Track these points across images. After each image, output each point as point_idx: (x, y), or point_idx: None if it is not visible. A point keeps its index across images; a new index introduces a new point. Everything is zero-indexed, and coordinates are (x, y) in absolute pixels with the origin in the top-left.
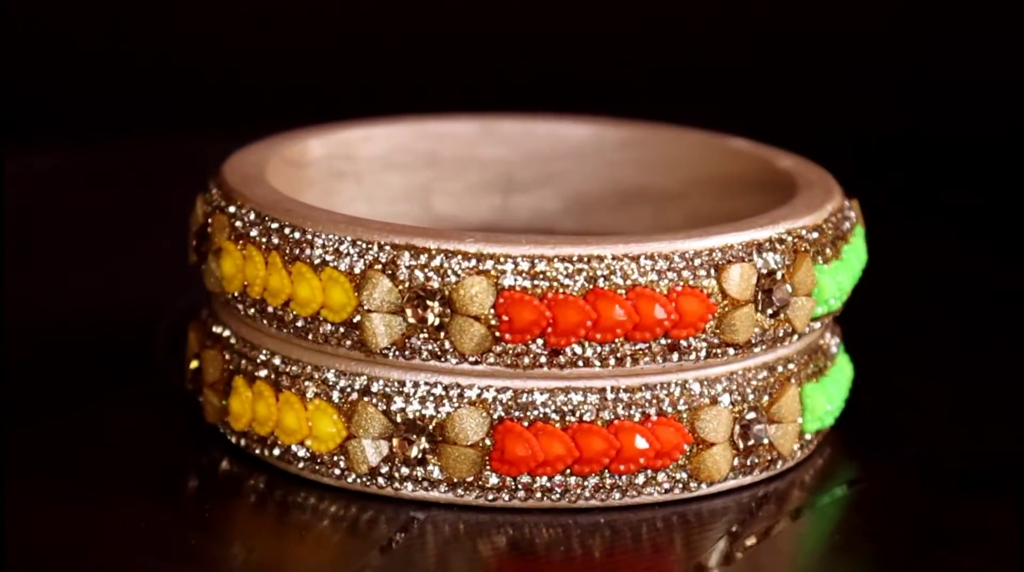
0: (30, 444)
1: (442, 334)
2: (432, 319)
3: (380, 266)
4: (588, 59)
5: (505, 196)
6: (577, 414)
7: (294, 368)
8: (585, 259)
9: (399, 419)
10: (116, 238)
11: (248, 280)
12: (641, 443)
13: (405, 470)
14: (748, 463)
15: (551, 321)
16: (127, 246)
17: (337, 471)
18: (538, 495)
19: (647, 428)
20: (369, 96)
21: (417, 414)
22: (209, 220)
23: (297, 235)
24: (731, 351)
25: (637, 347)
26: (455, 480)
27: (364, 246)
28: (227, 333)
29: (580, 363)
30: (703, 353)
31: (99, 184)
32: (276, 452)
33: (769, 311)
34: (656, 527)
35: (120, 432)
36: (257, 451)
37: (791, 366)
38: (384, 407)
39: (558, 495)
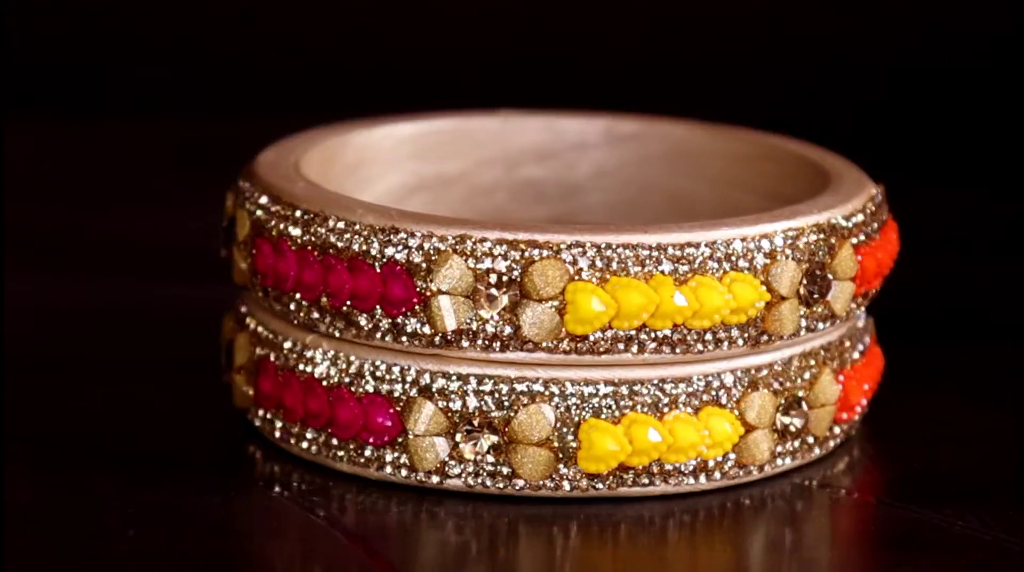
0: None
1: (821, 308)
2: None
3: (785, 255)
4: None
5: None
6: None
7: (668, 386)
8: (848, 214)
9: (786, 399)
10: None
11: (627, 313)
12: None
13: (786, 447)
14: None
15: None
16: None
17: (720, 472)
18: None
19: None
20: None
21: (798, 394)
22: (502, 275)
23: (678, 252)
24: None
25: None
26: (818, 443)
27: (755, 240)
28: (550, 387)
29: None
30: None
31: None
32: (645, 480)
33: None
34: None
35: None
36: (623, 486)
37: None
38: (776, 389)
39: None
